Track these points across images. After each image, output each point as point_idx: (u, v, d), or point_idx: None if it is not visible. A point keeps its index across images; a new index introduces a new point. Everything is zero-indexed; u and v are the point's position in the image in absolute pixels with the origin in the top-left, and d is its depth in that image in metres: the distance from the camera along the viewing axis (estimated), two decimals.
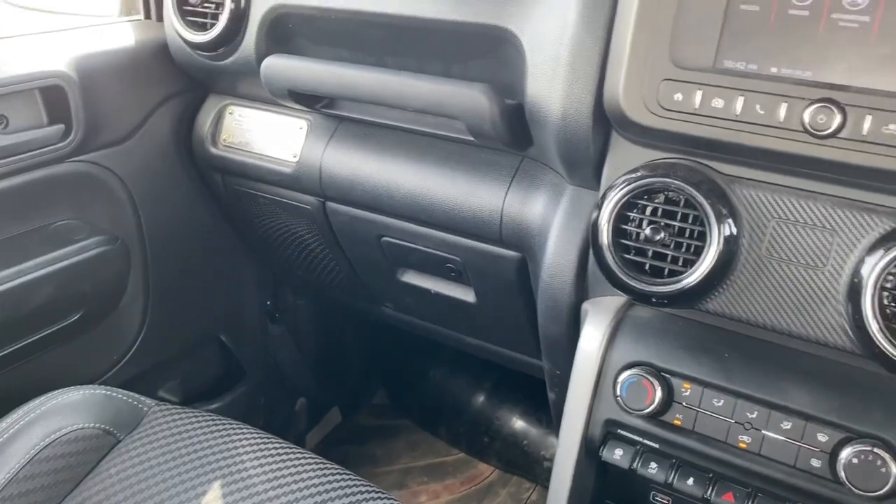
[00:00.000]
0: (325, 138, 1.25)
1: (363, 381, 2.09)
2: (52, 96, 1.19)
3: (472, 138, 1.07)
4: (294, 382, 1.86)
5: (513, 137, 1.03)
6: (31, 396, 1.09)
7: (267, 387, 1.77)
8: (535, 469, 1.85)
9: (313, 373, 1.89)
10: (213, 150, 1.37)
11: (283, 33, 1.19)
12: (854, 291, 0.77)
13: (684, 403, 0.86)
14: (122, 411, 1.10)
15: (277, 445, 1.06)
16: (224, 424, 1.09)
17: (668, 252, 0.85)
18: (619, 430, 0.91)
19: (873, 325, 0.75)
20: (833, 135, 0.74)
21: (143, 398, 1.13)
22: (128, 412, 1.10)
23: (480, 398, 1.94)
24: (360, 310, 1.66)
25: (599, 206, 0.87)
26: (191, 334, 1.58)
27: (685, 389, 0.86)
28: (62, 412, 1.06)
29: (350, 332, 1.99)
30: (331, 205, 1.30)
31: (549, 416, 1.72)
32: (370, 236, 1.30)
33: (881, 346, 0.75)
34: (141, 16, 1.42)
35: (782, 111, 0.76)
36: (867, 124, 0.73)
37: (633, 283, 0.86)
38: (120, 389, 1.13)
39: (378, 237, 1.29)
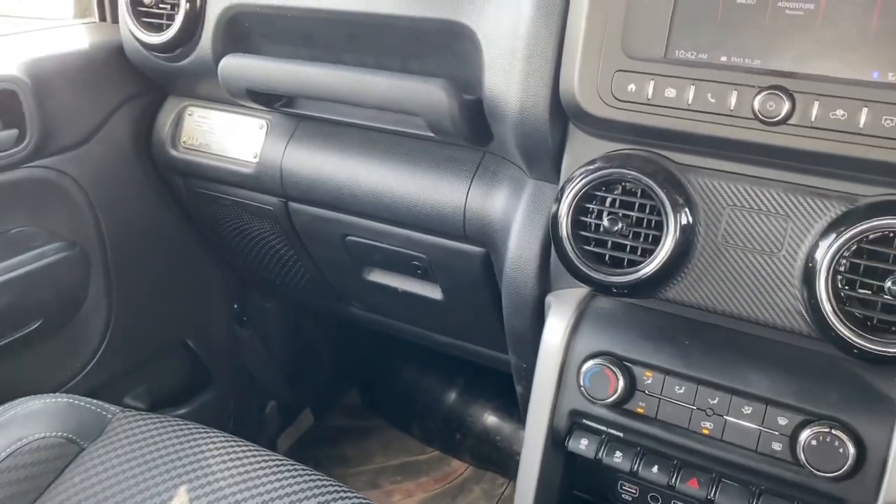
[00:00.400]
0: (286, 138, 1.24)
1: (334, 381, 2.08)
2: (5, 101, 1.17)
3: (432, 134, 1.07)
4: (263, 385, 1.84)
5: (473, 133, 1.03)
6: None
7: (236, 391, 1.75)
8: (508, 464, 1.85)
9: (283, 375, 1.88)
10: (174, 153, 1.35)
11: (240, 33, 1.18)
12: (809, 275, 0.78)
13: (647, 391, 0.87)
14: (86, 419, 1.08)
15: (245, 448, 1.05)
16: (190, 429, 1.08)
17: (626, 242, 0.85)
18: (584, 420, 0.92)
19: (828, 308, 0.76)
20: (783, 121, 0.75)
21: (107, 405, 1.11)
22: (91, 420, 1.08)
23: (452, 395, 1.94)
24: (328, 310, 1.65)
25: (558, 199, 0.88)
26: (156, 340, 1.56)
27: (647, 377, 0.87)
28: (23, 421, 1.05)
29: (319, 333, 1.98)
30: (293, 205, 1.29)
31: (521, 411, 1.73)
32: (334, 236, 1.29)
33: (836, 329, 0.76)
34: (95, 18, 1.40)
35: (733, 99, 0.77)
36: (815, 110, 0.74)
37: (593, 274, 0.87)
38: (83, 397, 1.11)
39: (342, 236, 1.29)
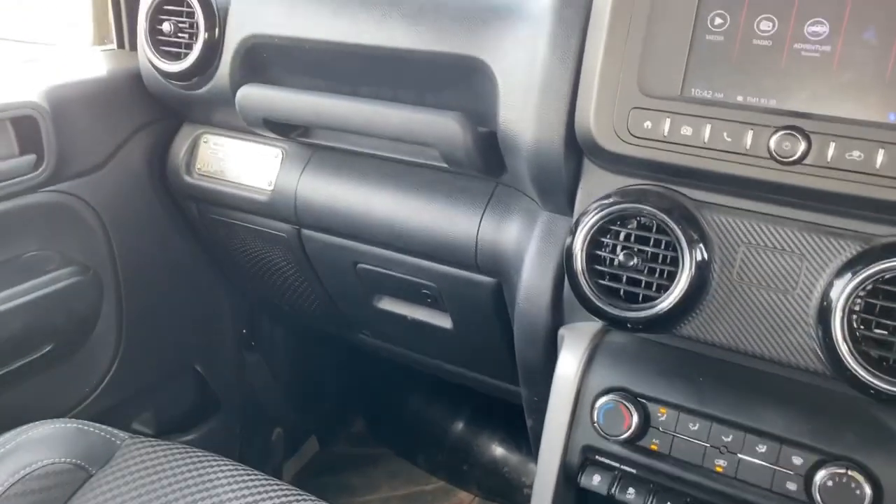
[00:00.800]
0: (301, 166, 1.25)
1: (341, 409, 2.07)
2: (24, 126, 1.18)
3: (446, 165, 1.08)
4: (270, 412, 1.84)
5: (486, 165, 1.04)
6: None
7: (243, 417, 1.75)
8: (515, 496, 1.84)
9: (290, 401, 1.87)
10: (188, 179, 1.36)
11: (258, 63, 1.20)
12: (824, 314, 0.78)
13: (661, 428, 0.87)
14: (95, 445, 1.08)
15: (253, 477, 1.05)
16: (199, 456, 1.07)
17: (641, 277, 0.85)
18: (596, 456, 0.91)
19: (843, 348, 0.76)
20: (798, 161, 0.75)
21: (115, 431, 1.11)
22: (100, 446, 1.08)
23: (459, 425, 1.93)
24: (336, 337, 1.65)
25: (573, 233, 0.88)
26: (165, 365, 1.56)
27: (661, 414, 0.87)
28: (32, 447, 1.04)
29: (327, 360, 1.97)
30: (306, 232, 1.30)
31: (529, 443, 1.72)
32: (346, 263, 1.30)
33: (851, 369, 0.76)
34: (114, 45, 1.42)
35: (749, 138, 0.77)
36: (831, 151, 0.74)
37: (607, 308, 0.87)
38: (92, 423, 1.11)
39: (354, 264, 1.29)
